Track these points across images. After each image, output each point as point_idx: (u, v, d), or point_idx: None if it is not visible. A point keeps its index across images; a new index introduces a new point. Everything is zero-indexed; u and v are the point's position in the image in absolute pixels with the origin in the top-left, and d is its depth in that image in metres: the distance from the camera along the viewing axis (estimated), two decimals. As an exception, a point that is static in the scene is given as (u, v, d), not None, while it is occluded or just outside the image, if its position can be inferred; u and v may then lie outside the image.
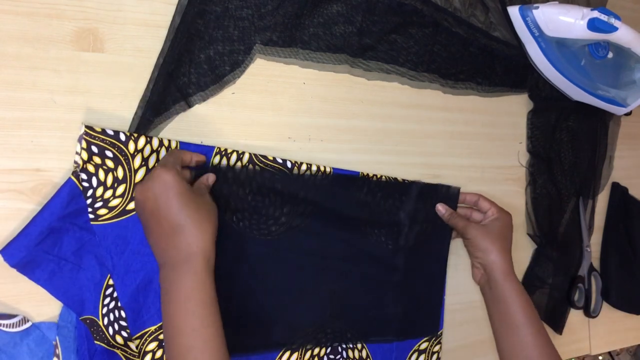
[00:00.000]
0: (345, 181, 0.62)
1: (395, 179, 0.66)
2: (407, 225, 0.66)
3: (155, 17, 0.53)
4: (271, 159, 0.58)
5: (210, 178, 0.53)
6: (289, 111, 0.61)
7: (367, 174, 0.64)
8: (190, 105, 0.55)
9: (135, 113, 0.52)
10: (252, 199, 0.57)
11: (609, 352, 1.81)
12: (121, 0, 0.51)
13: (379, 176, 0.65)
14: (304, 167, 0.60)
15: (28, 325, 0.49)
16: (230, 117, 0.57)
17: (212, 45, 0.55)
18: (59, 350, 0.51)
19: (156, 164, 0.52)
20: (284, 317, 0.60)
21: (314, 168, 0.60)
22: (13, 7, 0.47)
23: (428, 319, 0.69)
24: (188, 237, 0.47)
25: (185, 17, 0.53)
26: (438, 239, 0.69)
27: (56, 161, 0.50)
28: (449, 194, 0.69)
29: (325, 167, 0.61)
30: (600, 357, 1.82)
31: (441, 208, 0.68)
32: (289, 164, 0.59)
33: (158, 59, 0.53)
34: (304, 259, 0.61)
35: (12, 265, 0.48)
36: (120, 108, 0.52)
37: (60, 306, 0.51)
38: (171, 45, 0.53)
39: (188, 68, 0.54)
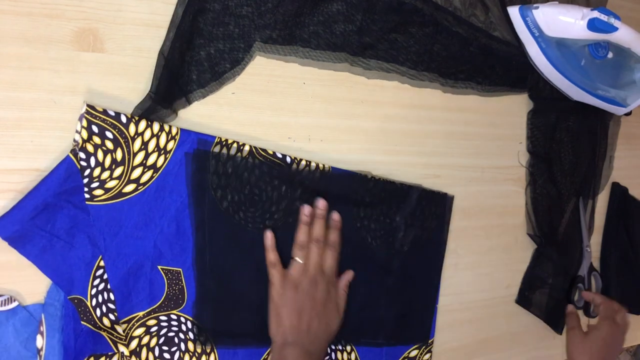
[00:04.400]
0: (342, 180, 0.62)
1: (393, 181, 0.66)
2: (403, 229, 0.66)
3: (155, 17, 0.53)
4: (271, 153, 0.58)
5: (349, 276, 0.63)
6: (289, 111, 0.61)
7: (365, 175, 0.64)
8: (190, 102, 0.55)
9: (135, 109, 0.52)
10: (249, 191, 0.57)
11: (609, 352, 1.80)
12: (121, 0, 0.51)
13: (377, 177, 0.65)
14: (303, 163, 0.60)
15: (14, 304, 0.49)
16: (230, 117, 0.57)
17: (213, 43, 0.55)
18: (43, 328, 0.50)
19: (155, 149, 0.52)
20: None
21: (312, 165, 0.60)
22: (13, 7, 0.47)
23: (419, 326, 0.69)
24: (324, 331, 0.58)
25: (186, 14, 0.53)
26: (433, 246, 0.69)
27: (56, 161, 0.50)
28: (445, 201, 0.69)
29: (324, 165, 0.61)
30: (600, 357, 1.81)
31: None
32: (288, 159, 0.59)
33: (159, 56, 0.53)
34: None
35: (4, 238, 0.48)
36: (120, 108, 0.52)
37: (48, 287, 0.51)
38: (172, 43, 0.53)
39: (189, 65, 0.54)
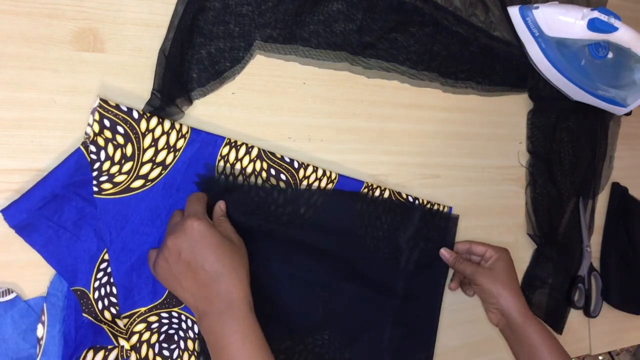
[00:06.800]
0: (345, 200, 0.62)
1: (399, 194, 0.66)
2: (407, 250, 0.66)
3: (155, 17, 0.53)
4: (279, 156, 0.58)
5: (222, 205, 0.54)
6: (289, 111, 0.61)
7: (372, 185, 0.64)
8: (191, 101, 0.55)
9: (145, 107, 0.52)
10: (252, 211, 0.56)
11: (609, 352, 1.81)
12: (121, 0, 0.51)
13: (382, 188, 0.64)
14: (310, 169, 0.60)
15: (13, 296, 0.49)
16: (230, 117, 0.57)
17: (213, 42, 0.55)
18: (44, 317, 0.50)
19: (165, 146, 0.52)
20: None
21: (319, 172, 0.60)
22: (13, 7, 0.47)
23: (423, 345, 0.69)
24: (228, 284, 0.48)
25: (187, 13, 0.53)
26: (437, 266, 0.69)
27: (56, 161, 0.50)
28: (449, 221, 0.69)
29: (331, 173, 0.61)
30: (600, 357, 1.82)
31: (446, 253, 0.68)
32: (295, 164, 0.59)
33: (159, 55, 0.53)
34: (297, 270, 0.60)
35: (12, 226, 0.48)
36: (120, 108, 0.52)
37: (49, 280, 0.51)
38: (173, 42, 0.53)
39: (189, 64, 0.54)
